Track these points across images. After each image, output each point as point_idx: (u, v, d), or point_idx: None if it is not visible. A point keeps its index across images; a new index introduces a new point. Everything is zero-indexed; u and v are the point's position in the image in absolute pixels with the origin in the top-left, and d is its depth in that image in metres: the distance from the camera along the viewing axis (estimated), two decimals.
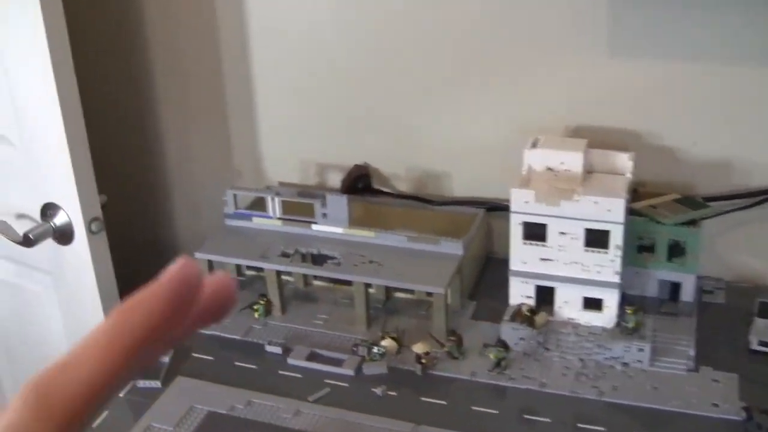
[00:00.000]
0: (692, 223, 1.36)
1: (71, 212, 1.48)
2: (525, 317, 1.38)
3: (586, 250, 1.34)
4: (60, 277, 1.59)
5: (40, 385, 0.41)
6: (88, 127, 1.43)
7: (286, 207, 1.51)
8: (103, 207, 1.54)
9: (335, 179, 1.67)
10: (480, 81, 1.53)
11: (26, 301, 1.68)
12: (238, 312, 1.44)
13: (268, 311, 1.45)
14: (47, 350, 1.66)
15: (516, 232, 1.36)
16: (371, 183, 1.63)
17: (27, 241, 1.47)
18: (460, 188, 1.63)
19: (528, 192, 1.32)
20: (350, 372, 1.31)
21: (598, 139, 1.46)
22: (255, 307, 1.45)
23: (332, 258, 1.45)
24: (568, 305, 1.39)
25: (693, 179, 1.49)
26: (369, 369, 1.32)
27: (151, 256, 1.86)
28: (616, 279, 1.35)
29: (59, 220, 1.50)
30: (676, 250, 1.39)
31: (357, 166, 1.64)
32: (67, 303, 1.61)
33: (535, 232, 1.35)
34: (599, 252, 1.33)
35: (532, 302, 1.41)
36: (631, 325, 1.35)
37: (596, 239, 1.33)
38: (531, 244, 1.36)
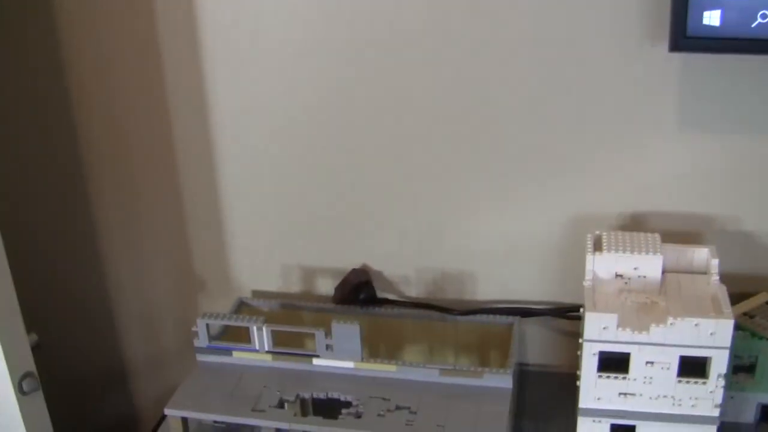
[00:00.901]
0: None
1: None
2: None
3: (680, 381, 1.05)
4: None
5: None
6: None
7: (279, 337, 1.19)
8: (35, 349, 1.18)
9: (325, 285, 1.35)
10: (514, 162, 1.23)
11: None
12: None
13: None
14: None
15: (590, 363, 1.06)
16: (374, 292, 1.31)
17: None
18: (483, 292, 1.32)
19: (608, 316, 1.02)
20: None
21: (663, 227, 1.19)
22: None
23: (346, 404, 1.13)
24: None
25: None
26: None
27: (100, 393, 1.51)
28: (716, 413, 1.07)
29: None
30: None
31: (355, 271, 1.32)
32: None
33: (613, 363, 1.06)
34: (696, 383, 1.05)
35: None
36: None
37: (693, 367, 1.05)
38: (608, 377, 1.07)
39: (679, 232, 1.20)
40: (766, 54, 1.04)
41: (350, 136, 1.25)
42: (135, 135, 1.31)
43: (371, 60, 1.20)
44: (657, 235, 1.12)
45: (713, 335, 1.01)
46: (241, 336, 1.23)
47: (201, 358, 1.22)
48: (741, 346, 1.06)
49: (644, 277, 1.10)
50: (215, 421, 1.19)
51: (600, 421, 1.10)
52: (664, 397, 1.07)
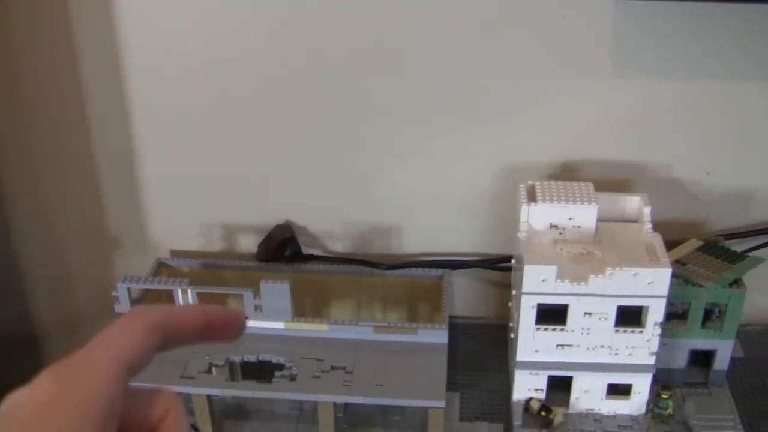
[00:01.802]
0: (735, 282, 1.10)
1: None
2: (539, 418, 1.09)
3: (617, 331, 1.05)
4: None
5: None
6: None
7: (202, 298, 1.14)
8: None
9: (248, 243, 1.30)
10: (442, 112, 1.19)
11: None
12: None
13: None
14: None
15: (528, 316, 1.05)
16: (299, 248, 1.26)
17: None
18: (411, 245, 1.30)
19: (547, 269, 1.01)
20: None
21: (595, 175, 1.18)
22: None
23: (279, 366, 1.10)
24: (587, 395, 1.10)
25: (706, 215, 1.23)
26: None
27: (9, 362, 1.43)
28: (651, 361, 1.08)
29: None
30: (710, 313, 1.13)
31: (279, 227, 1.28)
32: None
33: (548, 315, 1.05)
34: (633, 332, 1.05)
35: (542, 395, 1.11)
36: (667, 412, 1.08)
37: (628, 317, 1.05)
38: (546, 329, 1.06)
39: (610, 180, 1.19)
40: None
41: (270, 88, 1.20)
42: (42, 87, 1.23)
43: (290, 10, 1.14)
44: (590, 184, 1.10)
45: (651, 284, 1.01)
46: (163, 298, 1.18)
47: None
48: (674, 294, 1.06)
49: (579, 227, 1.08)
50: None
51: (537, 374, 1.09)
52: (602, 347, 1.07)
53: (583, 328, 1.05)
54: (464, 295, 1.33)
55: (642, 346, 1.06)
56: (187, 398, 1.09)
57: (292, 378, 1.08)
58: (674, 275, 1.03)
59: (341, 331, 1.13)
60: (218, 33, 1.16)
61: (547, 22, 1.12)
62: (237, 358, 1.11)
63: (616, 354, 1.07)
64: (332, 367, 1.09)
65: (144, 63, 1.19)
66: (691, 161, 1.20)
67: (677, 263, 1.12)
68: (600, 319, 1.04)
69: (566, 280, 1.01)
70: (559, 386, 1.10)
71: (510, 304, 1.17)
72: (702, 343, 1.14)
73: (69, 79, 1.21)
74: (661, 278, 1.01)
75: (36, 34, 1.18)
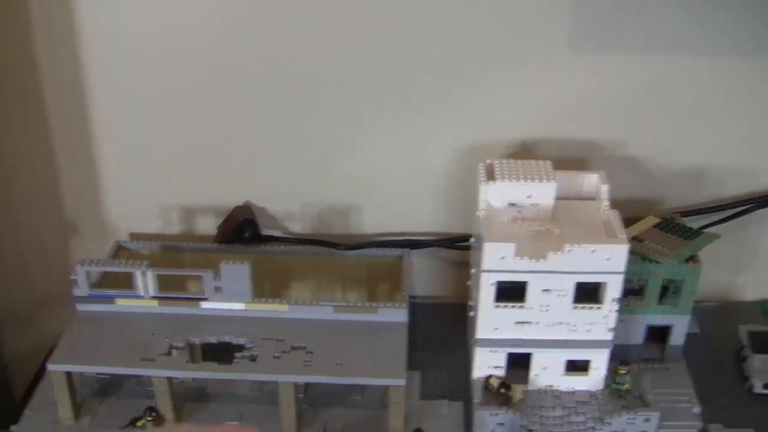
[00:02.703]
0: (691, 258, 1.11)
1: None
2: (498, 395, 1.09)
3: (575, 308, 1.06)
4: None
5: None
6: None
7: (162, 281, 1.13)
8: None
9: (207, 225, 1.30)
10: (400, 92, 1.19)
11: None
12: None
13: (158, 426, 1.08)
14: None
15: (487, 293, 1.06)
16: (259, 230, 1.26)
17: None
18: (370, 225, 1.30)
19: (506, 246, 1.02)
20: None
21: (553, 154, 1.19)
22: (140, 423, 1.08)
23: (239, 348, 1.10)
24: (546, 371, 1.11)
25: (663, 192, 1.25)
26: None
27: None
28: (609, 336, 1.09)
29: None
30: (666, 290, 1.14)
31: (238, 209, 1.27)
32: None
33: (507, 292, 1.06)
34: (591, 308, 1.06)
35: (501, 373, 1.11)
36: (625, 387, 1.10)
37: (586, 293, 1.06)
38: (506, 306, 1.06)
39: (568, 159, 1.20)
40: None
41: (229, 68, 1.19)
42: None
43: None
44: (549, 162, 1.11)
45: (609, 260, 1.02)
46: (121, 282, 1.18)
47: (81, 307, 1.15)
48: (631, 270, 1.07)
49: (537, 204, 1.09)
50: (98, 374, 1.13)
51: (497, 351, 1.10)
52: (560, 323, 1.07)
53: (541, 305, 1.06)
54: (424, 275, 1.33)
55: (600, 322, 1.07)
56: (147, 381, 1.08)
57: (253, 359, 1.07)
58: (631, 252, 1.04)
59: (301, 312, 1.13)
60: (175, 14, 1.15)
61: (505, 2, 1.12)
62: (197, 340, 1.10)
63: (575, 330, 1.08)
64: (293, 348, 1.09)
65: (100, 45, 1.18)
66: (647, 139, 1.21)
67: (634, 240, 1.13)
68: (558, 295, 1.05)
69: (525, 258, 1.02)
70: (519, 363, 1.11)
71: (469, 282, 1.18)
72: (659, 319, 1.15)
73: (25, 62, 1.19)
74: (619, 254, 1.02)
75: None
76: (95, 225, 1.32)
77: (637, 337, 1.17)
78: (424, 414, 1.11)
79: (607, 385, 1.11)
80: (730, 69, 1.16)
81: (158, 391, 1.07)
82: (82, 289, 1.14)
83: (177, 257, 1.26)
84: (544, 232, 1.06)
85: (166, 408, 1.08)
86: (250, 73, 1.19)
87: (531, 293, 1.05)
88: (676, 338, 1.17)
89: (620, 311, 1.07)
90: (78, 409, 1.11)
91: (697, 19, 1.13)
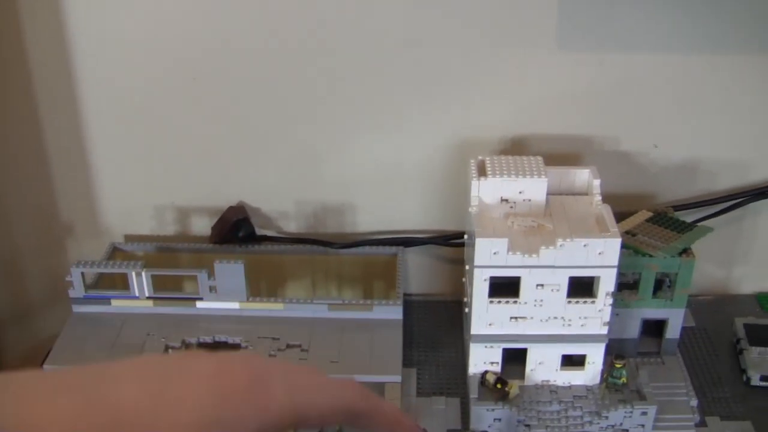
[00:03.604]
0: (684, 251, 1.11)
1: None
2: (495, 390, 1.09)
3: (569, 302, 1.06)
4: None
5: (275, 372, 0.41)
6: None
7: (157, 281, 1.14)
8: None
9: (202, 226, 1.30)
10: (391, 89, 1.20)
11: None
12: None
13: None
14: None
15: (480, 289, 1.06)
16: (253, 229, 1.26)
17: None
18: (364, 224, 1.30)
19: (498, 241, 1.02)
20: None
21: (544, 149, 1.19)
22: None
23: (234, 346, 1.10)
24: (542, 366, 1.11)
25: (655, 187, 1.25)
26: None
27: None
28: (604, 331, 1.09)
29: None
30: (661, 283, 1.15)
31: (232, 209, 1.27)
32: None
33: (502, 288, 1.06)
34: (585, 303, 1.06)
35: (497, 368, 1.12)
36: (621, 381, 1.10)
37: (580, 288, 1.06)
38: (499, 302, 1.07)
39: (559, 154, 1.20)
40: None
41: (219, 68, 1.19)
42: None
43: None
44: (540, 158, 1.11)
45: (601, 254, 1.02)
46: (117, 283, 1.18)
47: (77, 308, 1.16)
48: (625, 264, 1.07)
49: (529, 200, 1.09)
50: None
51: (492, 347, 1.10)
52: (555, 318, 1.07)
53: (535, 300, 1.06)
54: (418, 272, 1.33)
55: (594, 316, 1.07)
56: None
57: None
58: (624, 246, 1.05)
59: (296, 310, 1.14)
60: (166, 14, 1.16)
61: None
62: (193, 340, 1.11)
63: (569, 325, 1.08)
64: (288, 346, 1.09)
65: (92, 45, 1.18)
66: (638, 134, 1.22)
67: (627, 234, 1.13)
68: (552, 290, 1.05)
69: (518, 253, 1.02)
70: (514, 358, 1.11)
71: (464, 279, 1.18)
72: (653, 313, 1.15)
73: (15, 61, 1.20)
74: (611, 248, 1.02)
75: None
76: (90, 226, 1.32)
77: (633, 331, 1.17)
78: (421, 410, 1.11)
79: (603, 379, 1.11)
80: (722, 64, 1.16)
81: None
82: (77, 291, 1.15)
83: (172, 258, 1.26)
84: (537, 228, 1.07)
85: None
86: (241, 73, 1.19)
87: (524, 288, 1.05)
88: (672, 332, 1.17)
89: (615, 305, 1.07)
90: None
91: (689, 14, 1.13)
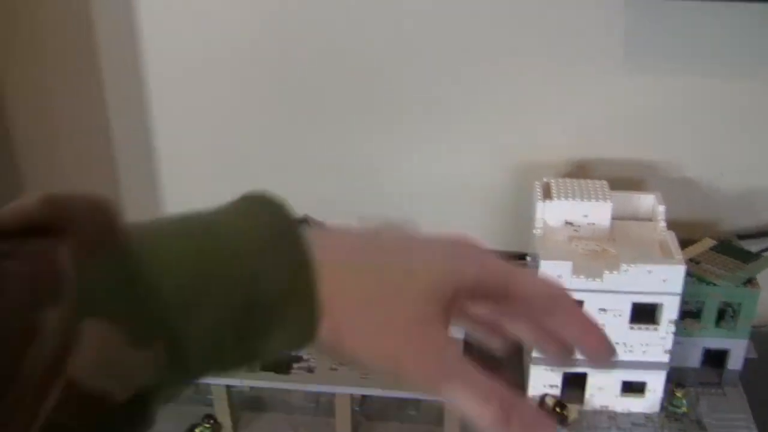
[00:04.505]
0: (749, 281, 1.11)
1: None
2: (553, 414, 1.09)
3: (632, 328, 1.06)
4: None
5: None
6: None
7: None
8: None
9: None
10: (459, 108, 1.21)
11: None
12: None
13: None
14: None
15: None
16: None
17: None
18: None
19: (562, 264, 1.02)
20: None
21: (608, 174, 1.19)
22: (198, 430, 1.10)
23: (297, 358, 1.11)
24: (602, 392, 1.11)
25: (719, 215, 1.25)
26: None
27: None
28: (666, 358, 1.08)
29: None
30: (723, 313, 1.14)
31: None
32: None
33: None
34: (647, 329, 1.06)
35: (557, 392, 1.12)
36: (682, 410, 1.09)
37: (642, 314, 1.06)
38: None
39: (623, 179, 1.19)
40: None
41: (288, 78, 1.22)
42: (63, 88, 1.25)
43: (304, 2, 1.16)
44: (605, 182, 1.11)
45: (665, 281, 1.02)
46: None
47: None
48: (688, 292, 1.07)
49: (593, 224, 1.09)
50: None
51: (552, 370, 1.10)
52: (616, 343, 1.06)
53: None
54: None
55: (656, 343, 1.07)
56: (206, 389, 1.10)
57: (310, 370, 1.09)
58: (688, 273, 1.04)
59: None
60: (234, 26, 1.18)
61: (561, 20, 1.14)
62: None
63: (631, 351, 1.08)
64: None
65: (161, 57, 1.21)
66: (704, 161, 1.21)
67: (691, 262, 1.13)
68: (614, 315, 1.05)
69: (581, 276, 1.03)
70: (574, 383, 1.11)
71: None
72: (716, 342, 1.15)
73: (86, 72, 1.23)
74: (675, 275, 1.02)
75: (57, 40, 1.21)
76: None
77: (694, 360, 1.16)
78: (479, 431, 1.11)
79: (663, 408, 1.11)
80: None
81: (216, 399, 1.09)
82: None
83: None
84: (600, 252, 1.07)
85: (223, 416, 1.10)
86: (302, 85, 1.21)
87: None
88: (734, 362, 1.16)
89: (677, 333, 1.07)
90: None
91: (753, 41, 1.13)
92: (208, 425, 1.09)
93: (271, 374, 1.09)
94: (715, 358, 1.17)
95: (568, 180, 1.12)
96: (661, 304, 1.04)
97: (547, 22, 1.14)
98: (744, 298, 1.10)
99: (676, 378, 1.11)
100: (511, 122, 1.21)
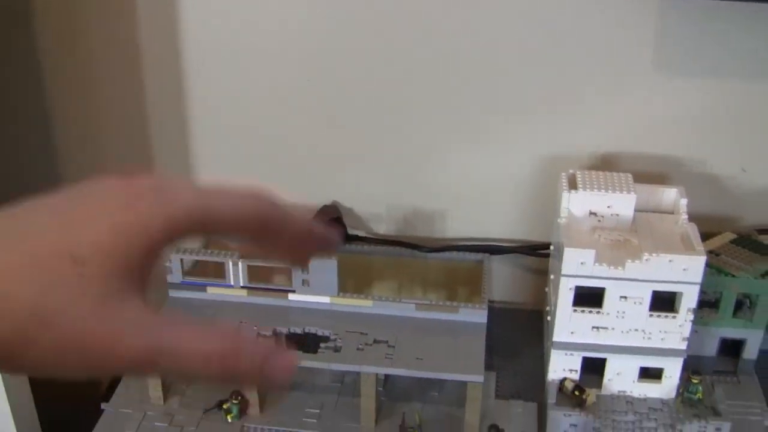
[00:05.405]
0: (766, 273, 1.13)
1: None
2: (572, 397, 1.12)
3: (651, 315, 1.09)
4: None
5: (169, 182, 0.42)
6: None
7: (251, 272, 1.19)
8: None
9: None
10: (488, 102, 1.24)
11: None
12: (203, 414, 1.13)
13: (243, 411, 1.13)
14: None
15: (565, 298, 1.09)
16: (345, 229, 1.31)
17: None
18: (453, 230, 1.34)
19: (586, 252, 1.05)
20: None
21: (633, 168, 1.21)
22: (225, 406, 1.13)
23: (324, 338, 1.14)
24: (620, 377, 1.14)
25: (741, 211, 1.27)
26: None
27: None
28: (683, 346, 1.11)
29: None
30: (741, 304, 1.17)
31: (326, 208, 1.32)
32: None
33: (585, 298, 1.09)
34: (666, 317, 1.09)
35: (576, 376, 1.15)
36: (697, 396, 1.12)
37: (663, 303, 1.08)
38: (583, 311, 1.10)
39: (648, 173, 1.22)
40: None
41: (323, 71, 1.25)
42: (106, 86, 1.29)
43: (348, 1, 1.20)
44: (629, 175, 1.14)
45: (686, 271, 1.05)
46: (210, 272, 1.23)
47: (174, 293, 1.21)
48: (707, 283, 1.09)
49: (617, 215, 1.12)
50: None
51: (572, 354, 1.13)
52: (635, 330, 1.10)
53: (618, 312, 1.09)
54: (502, 281, 1.37)
55: (674, 331, 1.10)
56: None
57: (337, 350, 1.12)
58: (707, 265, 1.07)
59: (384, 308, 1.17)
60: (276, 18, 1.21)
61: (591, 19, 1.16)
62: (284, 329, 1.15)
63: (649, 338, 1.10)
64: (375, 341, 1.13)
65: (202, 46, 1.24)
66: (727, 157, 1.24)
67: (711, 253, 1.15)
68: (635, 303, 1.08)
69: (604, 264, 1.05)
70: (593, 368, 1.14)
71: (547, 289, 1.22)
72: (732, 332, 1.17)
73: (130, 70, 1.27)
74: (696, 265, 1.04)
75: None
76: None
77: (711, 349, 1.19)
78: (499, 413, 1.15)
79: (679, 394, 1.14)
80: None
81: None
82: (175, 276, 1.20)
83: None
84: (623, 242, 1.10)
85: (252, 393, 1.13)
86: (345, 77, 1.25)
87: (608, 299, 1.08)
88: (750, 352, 1.19)
89: (694, 322, 1.10)
90: (167, 390, 1.17)
91: None
92: (236, 401, 1.13)
93: (299, 353, 1.12)
94: (731, 348, 1.20)
95: (593, 172, 1.15)
96: (681, 293, 1.07)
97: (578, 22, 1.16)
98: (761, 290, 1.13)
99: (692, 366, 1.13)
100: (541, 118, 1.24)
